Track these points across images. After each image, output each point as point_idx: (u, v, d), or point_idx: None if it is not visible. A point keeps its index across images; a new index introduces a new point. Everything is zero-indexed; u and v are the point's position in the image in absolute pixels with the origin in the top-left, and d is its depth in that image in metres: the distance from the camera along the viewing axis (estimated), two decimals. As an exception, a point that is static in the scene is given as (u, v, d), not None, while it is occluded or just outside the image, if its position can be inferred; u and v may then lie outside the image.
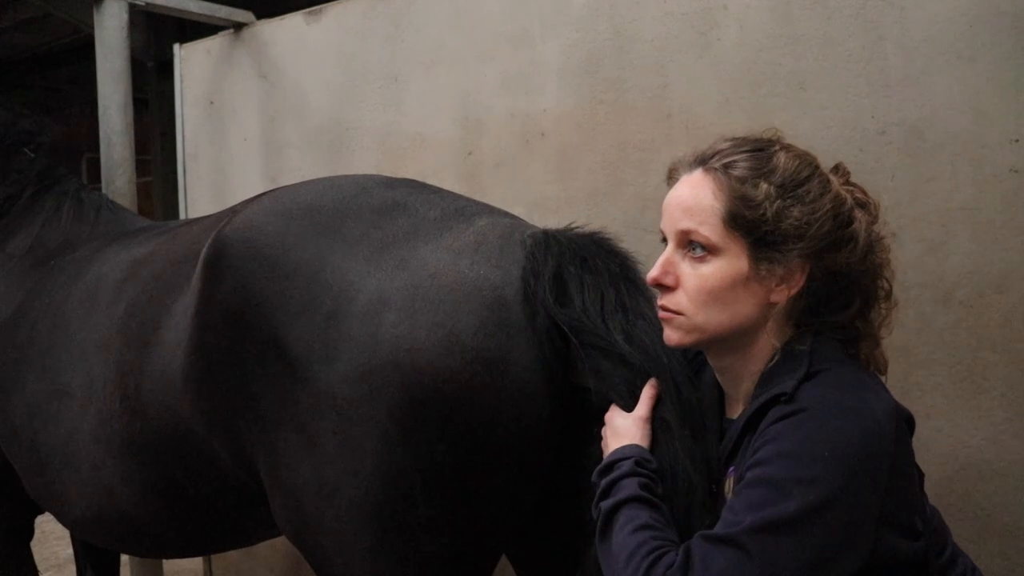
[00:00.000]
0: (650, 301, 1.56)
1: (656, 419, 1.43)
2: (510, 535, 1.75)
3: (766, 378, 1.34)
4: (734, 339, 1.36)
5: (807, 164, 1.34)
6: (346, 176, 1.91)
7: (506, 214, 1.79)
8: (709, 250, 1.32)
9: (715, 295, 1.32)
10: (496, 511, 1.63)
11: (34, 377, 2.24)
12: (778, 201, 1.29)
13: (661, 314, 1.40)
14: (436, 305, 1.53)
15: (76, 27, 6.48)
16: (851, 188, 1.38)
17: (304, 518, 1.67)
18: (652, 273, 1.38)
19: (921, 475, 1.37)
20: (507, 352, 1.52)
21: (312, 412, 1.59)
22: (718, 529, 1.21)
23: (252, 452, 1.74)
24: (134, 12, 3.43)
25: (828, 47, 2.30)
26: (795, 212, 1.29)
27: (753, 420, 1.32)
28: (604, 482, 1.36)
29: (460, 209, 1.72)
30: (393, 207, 1.70)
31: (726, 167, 1.33)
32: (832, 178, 1.36)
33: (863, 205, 1.37)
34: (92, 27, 3.39)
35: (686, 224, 1.34)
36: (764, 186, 1.30)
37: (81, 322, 2.17)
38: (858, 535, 1.18)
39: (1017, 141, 2.06)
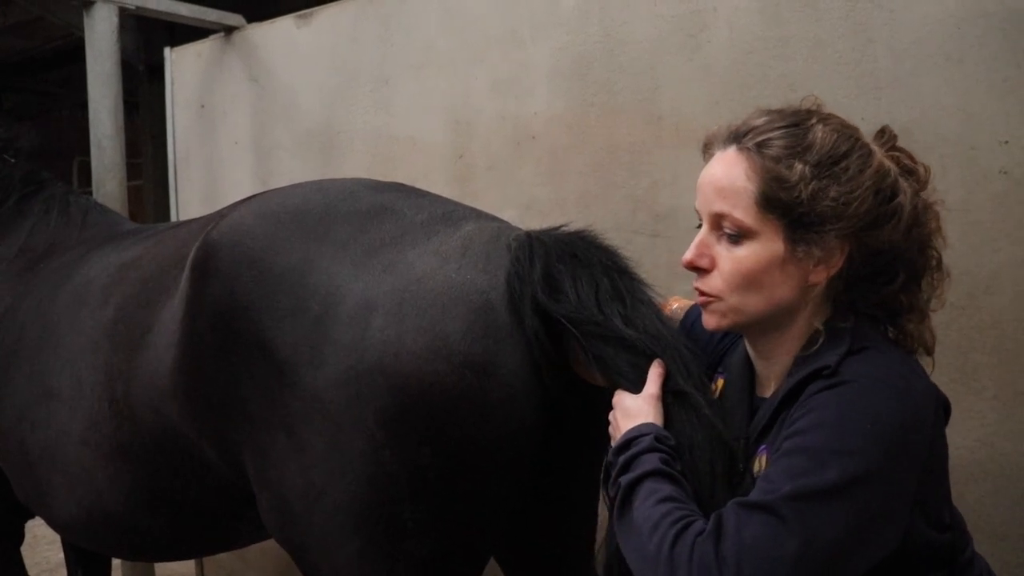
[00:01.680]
0: (645, 287, 1.57)
1: (668, 394, 1.40)
2: (498, 538, 1.75)
3: (805, 357, 1.30)
4: (772, 321, 1.32)
5: (846, 137, 1.28)
6: (334, 180, 1.91)
7: (493, 218, 1.79)
8: (744, 233, 1.28)
9: (751, 278, 1.28)
10: (483, 514, 1.63)
11: (23, 379, 2.24)
12: (814, 182, 1.24)
13: (698, 299, 1.36)
14: (423, 309, 1.53)
15: (67, 30, 6.47)
16: (897, 154, 1.32)
17: (292, 520, 1.67)
18: (687, 255, 1.34)
19: None
20: (494, 356, 1.52)
21: (300, 415, 1.60)
22: (754, 496, 1.17)
23: (241, 454, 1.74)
24: (124, 15, 3.43)
25: (817, 49, 2.30)
26: (832, 192, 1.23)
27: (790, 396, 1.28)
28: (623, 458, 1.31)
29: (447, 213, 1.72)
30: (380, 211, 1.70)
31: (760, 146, 1.28)
32: (875, 148, 1.29)
33: (910, 172, 1.31)
34: (83, 30, 3.39)
35: (719, 207, 1.29)
36: (799, 166, 1.24)
37: (69, 325, 2.17)
38: (894, 514, 1.16)
39: (1006, 143, 2.06)
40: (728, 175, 1.29)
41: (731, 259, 1.29)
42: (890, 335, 1.35)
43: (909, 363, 1.29)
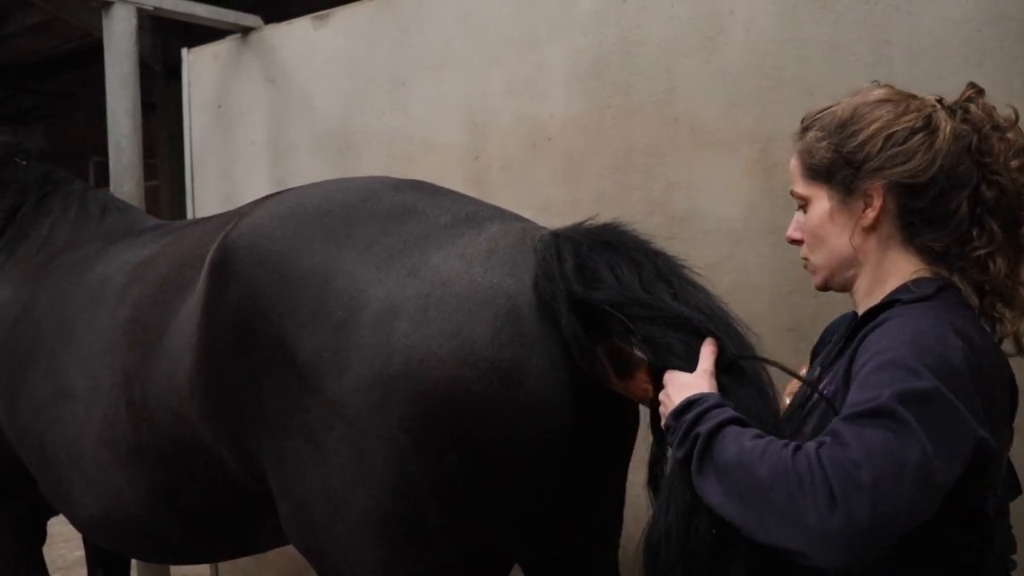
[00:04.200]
0: (691, 270, 1.59)
1: (722, 371, 1.42)
2: (522, 544, 1.74)
3: (889, 296, 1.41)
4: (845, 268, 1.48)
5: (866, 104, 1.45)
6: (354, 179, 1.89)
7: (518, 218, 1.76)
8: (804, 201, 1.50)
9: (816, 235, 1.49)
10: (508, 520, 1.61)
11: (39, 377, 2.23)
12: (824, 142, 1.45)
13: (804, 265, 1.56)
14: (449, 314, 1.50)
15: (85, 31, 6.51)
16: (963, 107, 1.44)
17: (313, 528, 1.65)
18: (788, 232, 1.56)
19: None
20: (521, 362, 1.50)
21: (321, 421, 1.57)
22: (856, 409, 1.19)
23: (259, 459, 1.72)
24: (142, 16, 3.44)
25: (834, 51, 2.30)
26: (845, 147, 1.42)
27: (860, 324, 1.41)
28: (689, 416, 1.32)
29: (471, 214, 1.69)
30: (403, 212, 1.68)
31: (801, 132, 1.52)
32: (902, 102, 1.43)
33: (974, 123, 1.41)
34: (101, 32, 3.41)
35: (792, 187, 1.53)
36: (810, 134, 1.48)
37: (86, 324, 2.16)
38: (963, 439, 1.19)
39: (1024, 145, 2.05)
40: (792, 161, 1.54)
41: (803, 226, 1.52)
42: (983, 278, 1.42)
43: (983, 329, 1.38)
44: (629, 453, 1.82)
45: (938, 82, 2.14)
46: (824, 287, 1.54)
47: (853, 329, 1.44)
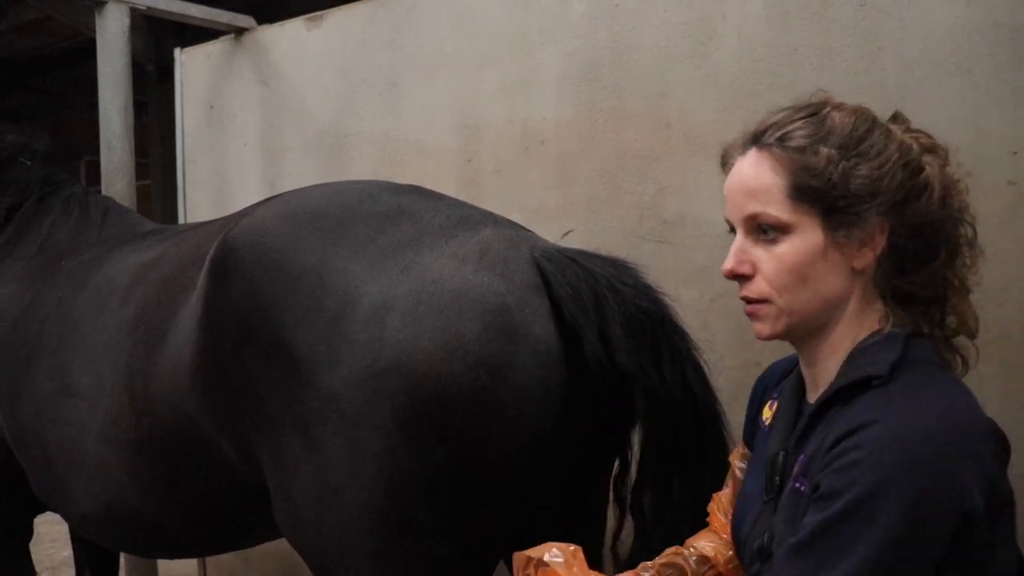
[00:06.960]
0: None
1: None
2: (513, 537, 1.76)
3: (853, 358, 1.24)
4: (822, 316, 1.26)
5: (864, 118, 1.25)
6: (352, 182, 1.94)
7: (511, 224, 1.81)
8: (781, 229, 1.23)
9: (796, 274, 1.22)
10: (499, 513, 1.64)
11: (43, 376, 2.26)
12: (842, 163, 1.20)
13: (747, 308, 1.30)
14: (439, 310, 1.55)
15: (77, 30, 6.49)
16: (915, 134, 1.27)
17: (306, 521, 1.68)
18: (727, 264, 1.28)
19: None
20: (509, 358, 1.54)
21: (316, 414, 1.61)
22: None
23: (258, 453, 1.75)
24: (135, 16, 3.44)
25: (826, 57, 2.30)
26: (862, 170, 1.20)
27: (835, 398, 1.22)
28: None
29: (465, 217, 1.73)
30: (398, 213, 1.72)
31: (781, 140, 1.24)
32: (892, 127, 1.26)
33: (931, 149, 1.26)
34: (93, 31, 3.40)
35: (752, 208, 1.24)
36: (824, 150, 1.21)
37: (91, 323, 2.20)
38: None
39: (1015, 153, 2.06)
40: (756, 175, 1.25)
41: (772, 259, 1.24)
42: (937, 318, 1.27)
43: (961, 388, 1.23)
44: (614, 452, 1.83)
45: (929, 88, 2.15)
46: (780, 337, 1.29)
47: (828, 401, 1.24)
